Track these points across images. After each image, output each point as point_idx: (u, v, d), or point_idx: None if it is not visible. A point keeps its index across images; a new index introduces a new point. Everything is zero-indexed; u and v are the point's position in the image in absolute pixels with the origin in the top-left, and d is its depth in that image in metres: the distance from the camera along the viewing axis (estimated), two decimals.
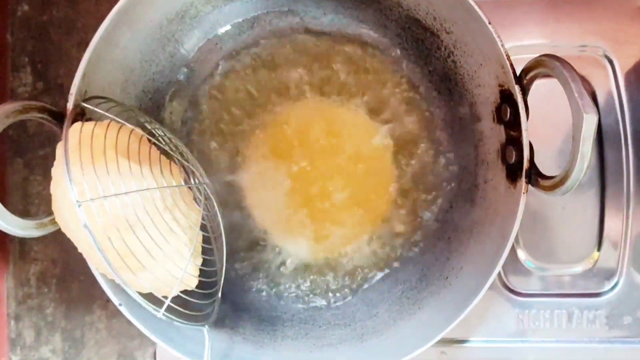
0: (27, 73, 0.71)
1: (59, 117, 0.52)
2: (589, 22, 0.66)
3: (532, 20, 0.67)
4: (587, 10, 0.66)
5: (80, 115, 0.53)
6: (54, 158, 0.69)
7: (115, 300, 0.52)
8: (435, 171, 0.65)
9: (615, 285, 0.65)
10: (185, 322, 0.52)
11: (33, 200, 0.71)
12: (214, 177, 0.66)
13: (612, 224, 0.65)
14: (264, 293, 0.66)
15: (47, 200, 0.69)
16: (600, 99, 0.65)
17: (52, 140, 0.70)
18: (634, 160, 0.65)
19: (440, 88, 0.64)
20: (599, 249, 0.66)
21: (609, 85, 0.65)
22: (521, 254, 0.66)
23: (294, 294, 0.66)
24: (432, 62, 0.63)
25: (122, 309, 0.52)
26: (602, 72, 0.65)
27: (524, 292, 0.66)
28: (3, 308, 0.71)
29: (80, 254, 0.51)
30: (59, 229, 0.52)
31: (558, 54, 0.49)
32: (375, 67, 0.66)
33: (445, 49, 0.60)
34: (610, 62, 0.65)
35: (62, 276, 0.71)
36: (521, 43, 0.67)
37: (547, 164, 0.52)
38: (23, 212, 0.70)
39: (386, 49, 0.66)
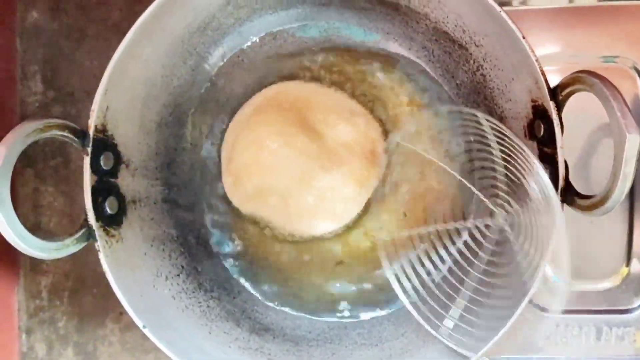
0: (37, 81, 0.70)
1: (80, 135, 0.51)
2: (616, 32, 0.65)
3: (554, 30, 0.66)
4: (614, 21, 0.65)
5: (102, 132, 0.52)
6: (65, 168, 0.69)
7: (139, 322, 0.51)
8: (463, 186, 0.64)
9: None
10: None
11: (44, 212, 0.70)
12: None
13: None
14: (287, 310, 0.65)
15: (58, 211, 0.69)
16: None
17: (63, 151, 0.69)
18: None
19: (468, 102, 0.63)
20: (627, 264, 0.65)
21: (638, 97, 0.64)
22: (548, 269, 0.65)
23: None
24: (459, 75, 0.62)
25: (146, 331, 0.51)
26: (631, 83, 0.64)
27: None
28: (14, 321, 0.70)
29: (93, 268, 0.50)
30: (80, 250, 0.52)
31: (582, 65, 0.49)
32: (400, 80, 0.65)
33: (474, 62, 0.59)
34: (639, 73, 0.64)
35: (74, 289, 0.70)
36: (543, 53, 0.66)
37: (575, 177, 0.51)
38: (34, 224, 0.69)
39: (412, 61, 0.65)
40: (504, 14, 0.49)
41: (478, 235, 0.58)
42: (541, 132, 0.52)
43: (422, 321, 0.58)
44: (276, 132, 0.63)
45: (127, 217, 0.56)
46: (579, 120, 0.62)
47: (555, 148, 0.49)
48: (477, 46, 0.57)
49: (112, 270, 0.51)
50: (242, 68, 0.66)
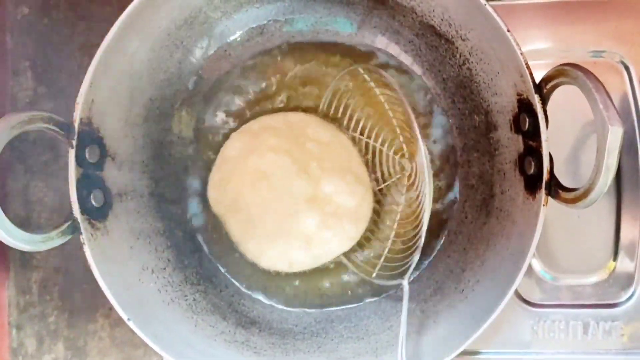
0: (27, 77, 0.70)
1: (65, 128, 0.51)
2: (604, 27, 0.65)
3: (544, 25, 0.66)
4: (602, 16, 0.65)
5: (87, 125, 0.52)
6: (55, 164, 0.69)
7: (123, 314, 0.51)
8: (448, 181, 0.64)
9: (632, 295, 0.64)
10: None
11: (34, 207, 0.70)
12: None
13: (628, 232, 0.64)
14: (274, 304, 0.65)
15: (48, 207, 0.69)
16: (616, 105, 0.64)
17: (53, 147, 0.69)
18: None
19: (454, 96, 0.63)
20: (615, 259, 0.65)
21: (625, 91, 0.64)
22: (536, 264, 0.65)
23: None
24: (446, 69, 0.62)
25: (131, 323, 0.52)
26: (618, 78, 0.65)
27: (538, 302, 0.65)
28: (4, 316, 0.70)
29: (83, 263, 0.50)
30: (62, 243, 0.52)
31: (571, 60, 0.49)
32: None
33: (460, 56, 0.59)
34: (627, 68, 0.64)
35: (65, 284, 0.70)
36: (532, 48, 0.66)
37: (561, 172, 0.51)
38: (24, 220, 0.69)
39: (399, 55, 0.65)
40: (489, 7, 0.50)
41: None
42: (526, 125, 0.52)
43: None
44: (280, 160, 0.63)
45: (113, 210, 0.56)
46: (568, 115, 0.63)
47: (540, 141, 0.49)
48: (463, 40, 0.57)
49: (97, 263, 0.51)
50: (228, 62, 0.66)
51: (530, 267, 0.65)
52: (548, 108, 0.49)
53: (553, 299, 0.65)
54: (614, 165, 0.44)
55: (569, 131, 0.65)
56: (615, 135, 0.43)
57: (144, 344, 0.52)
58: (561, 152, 0.64)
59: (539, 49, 0.66)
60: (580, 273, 0.65)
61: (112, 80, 0.54)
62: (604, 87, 0.45)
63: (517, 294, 0.65)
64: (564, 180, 0.50)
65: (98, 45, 0.52)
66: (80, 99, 0.51)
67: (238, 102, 0.66)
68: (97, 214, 0.54)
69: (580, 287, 0.65)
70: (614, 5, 0.65)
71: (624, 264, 0.64)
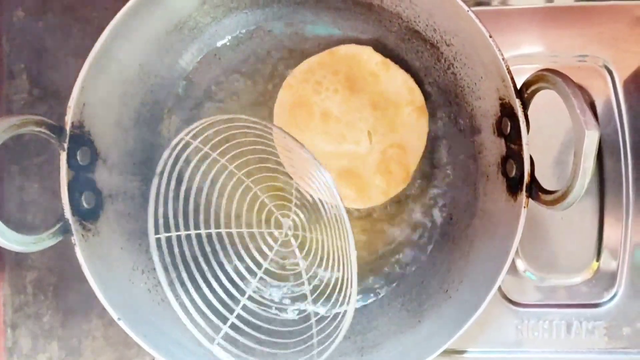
0: (22, 80, 0.71)
1: (57, 131, 0.52)
2: (588, 32, 0.66)
3: (531, 29, 0.67)
4: (587, 20, 0.66)
5: (79, 128, 0.53)
6: (50, 166, 0.69)
7: (114, 314, 0.52)
8: (433, 183, 0.65)
9: (615, 295, 0.65)
10: None
11: (29, 209, 0.70)
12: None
13: (611, 233, 0.65)
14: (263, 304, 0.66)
15: (43, 208, 0.69)
16: (600, 109, 0.65)
17: (48, 148, 0.70)
18: (633, 170, 0.65)
19: (439, 100, 0.63)
20: (598, 259, 0.66)
21: (609, 95, 0.65)
22: (520, 264, 0.66)
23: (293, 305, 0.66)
24: (431, 73, 0.63)
25: (121, 323, 0.52)
26: (602, 82, 0.65)
27: (522, 302, 0.66)
28: None
29: (77, 263, 0.51)
30: (57, 243, 0.52)
31: (557, 64, 0.49)
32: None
33: (445, 61, 0.60)
34: (610, 72, 0.65)
35: (59, 284, 0.70)
36: (520, 52, 0.67)
37: (545, 175, 0.52)
38: (19, 221, 0.69)
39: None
40: (471, 14, 0.50)
41: None
42: (508, 129, 0.52)
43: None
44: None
45: (104, 212, 0.57)
46: (552, 119, 0.63)
47: (521, 144, 0.50)
48: (448, 45, 0.58)
49: (88, 263, 0.52)
50: (218, 65, 0.66)
51: (515, 267, 0.66)
52: (533, 112, 0.50)
53: (537, 299, 0.66)
54: (590, 169, 0.44)
55: (553, 134, 0.65)
56: (591, 139, 0.44)
57: (137, 343, 0.52)
58: (545, 155, 0.65)
59: (526, 53, 0.67)
60: (564, 273, 0.66)
61: (103, 84, 0.55)
62: (581, 92, 0.45)
63: (502, 294, 0.66)
64: (549, 183, 0.50)
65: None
66: (72, 102, 0.52)
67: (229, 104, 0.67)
68: (88, 216, 0.54)
69: (564, 287, 0.66)
70: (598, 11, 0.66)
71: (607, 264, 0.65)
